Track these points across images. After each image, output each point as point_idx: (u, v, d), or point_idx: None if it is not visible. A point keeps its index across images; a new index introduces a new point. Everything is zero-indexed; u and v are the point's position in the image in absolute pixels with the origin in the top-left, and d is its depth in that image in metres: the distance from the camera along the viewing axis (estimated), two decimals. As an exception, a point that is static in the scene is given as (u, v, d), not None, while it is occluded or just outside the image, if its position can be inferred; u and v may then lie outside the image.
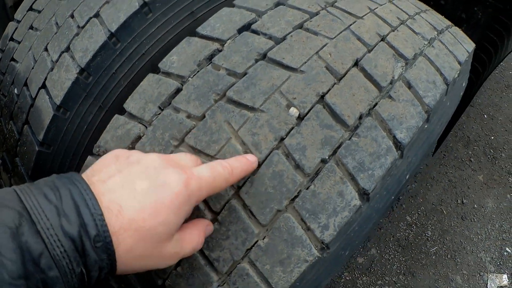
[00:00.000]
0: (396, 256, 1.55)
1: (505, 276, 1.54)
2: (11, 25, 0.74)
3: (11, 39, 0.71)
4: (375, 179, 0.49)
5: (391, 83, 0.54)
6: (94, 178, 0.39)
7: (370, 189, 0.49)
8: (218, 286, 0.50)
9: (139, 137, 0.54)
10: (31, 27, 0.69)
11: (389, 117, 0.52)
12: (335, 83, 0.52)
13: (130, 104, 0.56)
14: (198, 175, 0.42)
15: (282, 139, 0.49)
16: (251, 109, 0.51)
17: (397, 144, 0.51)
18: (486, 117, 1.97)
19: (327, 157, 0.49)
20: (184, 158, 0.45)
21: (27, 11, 0.75)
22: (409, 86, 0.55)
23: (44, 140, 0.62)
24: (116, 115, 0.56)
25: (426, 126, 0.56)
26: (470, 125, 1.94)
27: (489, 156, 1.85)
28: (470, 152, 1.85)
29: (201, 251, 0.49)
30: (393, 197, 0.57)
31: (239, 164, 0.46)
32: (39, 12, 0.72)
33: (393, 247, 1.57)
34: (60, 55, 0.62)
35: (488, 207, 1.70)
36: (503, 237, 1.63)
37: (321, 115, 0.50)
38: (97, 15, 0.63)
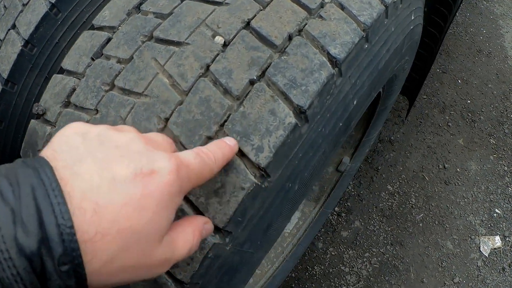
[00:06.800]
0: (382, 227, 1.47)
1: (497, 238, 1.45)
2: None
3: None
4: (309, 94, 0.47)
5: (321, 6, 0.52)
6: (58, 162, 0.29)
7: (306, 106, 0.46)
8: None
9: (73, 90, 0.53)
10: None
11: (320, 34, 0.50)
12: (260, 9, 0.51)
13: (66, 62, 0.56)
14: (186, 162, 0.34)
15: (208, 66, 0.48)
16: (177, 43, 0.50)
17: (332, 60, 0.49)
18: (460, 82, 1.91)
19: (255, 77, 0.47)
20: (161, 139, 0.39)
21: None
22: (342, 7, 0.53)
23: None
24: (54, 75, 0.57)
25: (366, 45, 0.53)
26: (445, 91, 1.87)
27: (467, 119, 1.78)
28: (447, 117, 1.78)
29: None
30: (341, 124, 0.54)
31: (220, 149, 0.40)
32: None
33: (377, 217, 1.49)
34: (6, 33, 0.64)
35: (472, 170, 1.63)
36: (490, 199, 1.55)
37: (246, 39, 0.49)
38: (40, -8, 0.65)
